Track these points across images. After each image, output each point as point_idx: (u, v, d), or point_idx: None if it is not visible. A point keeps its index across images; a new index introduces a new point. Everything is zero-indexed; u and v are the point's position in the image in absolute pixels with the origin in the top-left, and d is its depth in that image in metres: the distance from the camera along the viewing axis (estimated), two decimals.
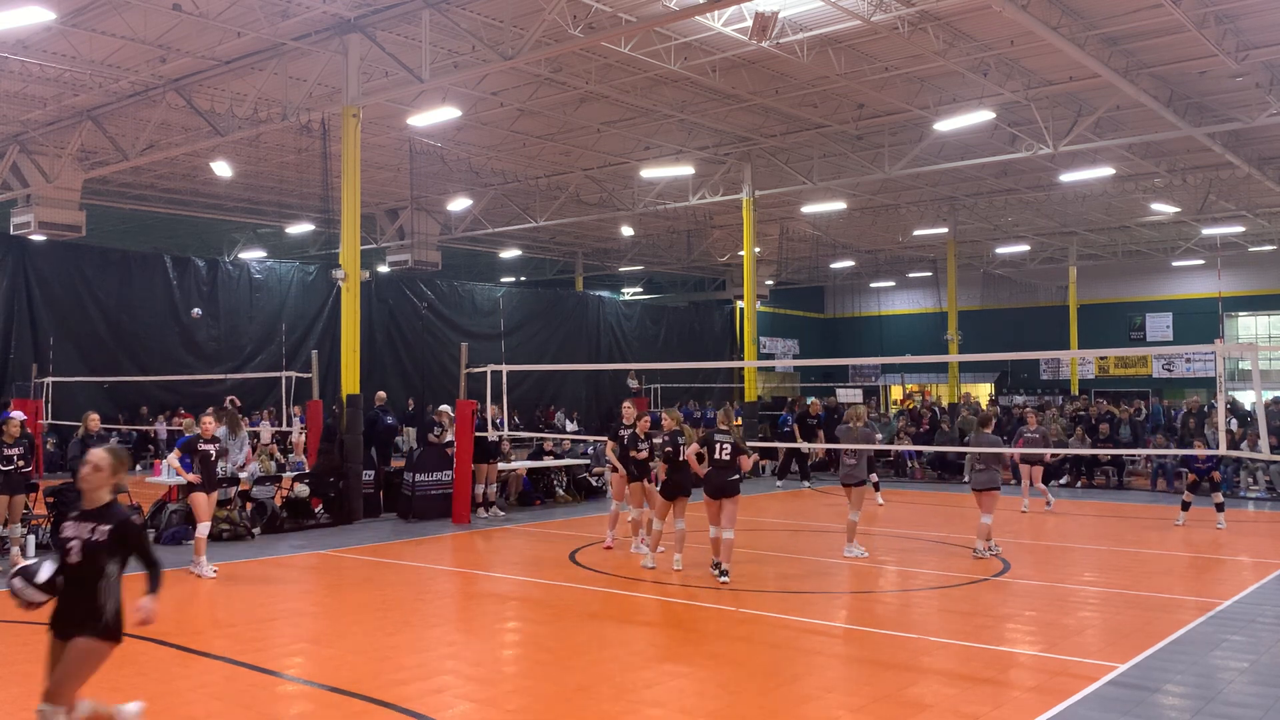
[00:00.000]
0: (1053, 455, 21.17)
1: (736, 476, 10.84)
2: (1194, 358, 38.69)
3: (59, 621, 5.34)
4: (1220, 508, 15.10)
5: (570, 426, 32.64)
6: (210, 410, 12.28)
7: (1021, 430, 17.35)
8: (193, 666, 7.58)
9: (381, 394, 19.73)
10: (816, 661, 7.83)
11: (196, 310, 24.30)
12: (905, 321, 45.66)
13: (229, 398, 18.06)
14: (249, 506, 14.52)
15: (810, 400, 23.56)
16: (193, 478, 11.40)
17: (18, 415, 12.35)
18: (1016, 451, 16.53)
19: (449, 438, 16.34)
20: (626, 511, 12.81)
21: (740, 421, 12.57)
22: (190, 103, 19.01)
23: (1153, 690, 7.00)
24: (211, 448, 11.57)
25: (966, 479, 22.26)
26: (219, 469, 11.96)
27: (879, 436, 19.52)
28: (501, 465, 17.19)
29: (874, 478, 18.38)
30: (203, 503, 11.36)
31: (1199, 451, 15.51)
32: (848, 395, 33.89)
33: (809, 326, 48.78)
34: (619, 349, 40.50)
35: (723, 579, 10.71)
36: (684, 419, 12.28)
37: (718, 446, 10.81)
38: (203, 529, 11.39)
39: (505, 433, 17.41)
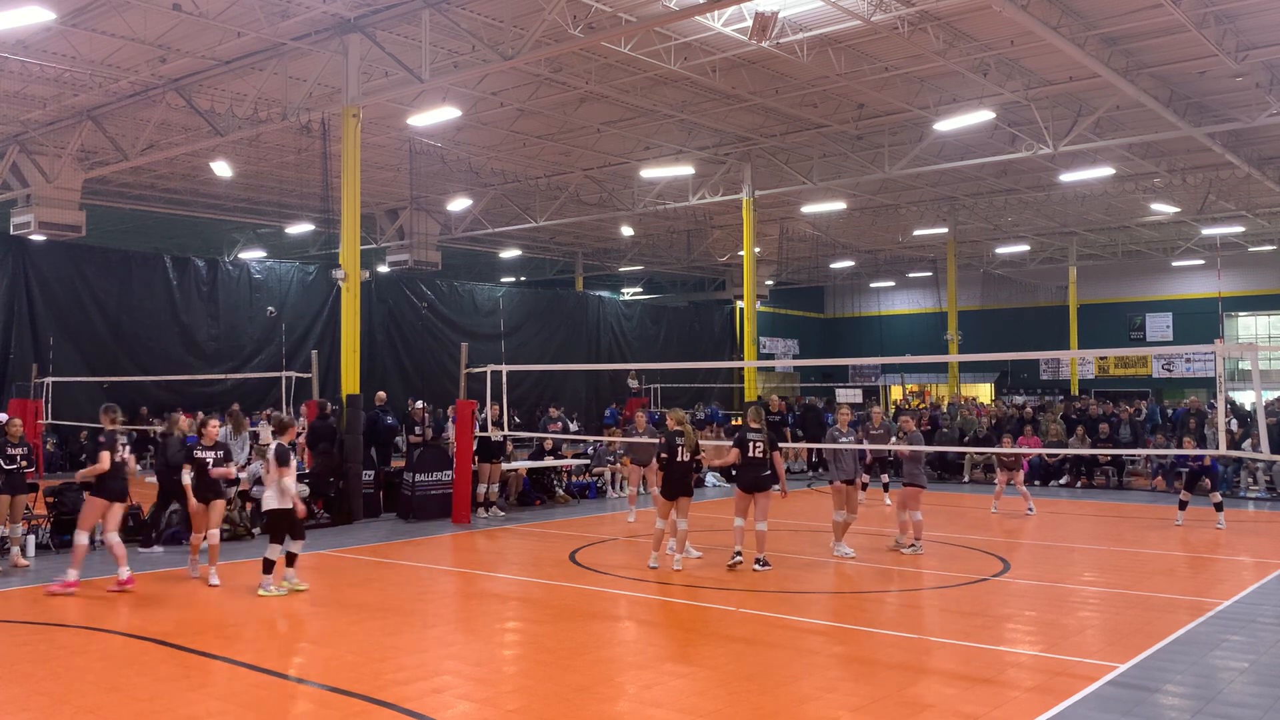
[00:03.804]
0: (1051, 455, 21.21)
1: (768, 473, 11.49)
2: (1194, 358, 38.69)
3: None
4: (1219, 507, 15.09)
5: (573, 427, 32.56)
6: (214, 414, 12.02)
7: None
8: (193, 666, 7.58)
9: (381, 394, 19.71)
10: (816, 661, 7.83)
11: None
12: (905, 321, 45.67)
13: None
14: (249, 506, 14.50)
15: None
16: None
17: (14, 418, 12.36)
18: (1009, 451, 16.55)
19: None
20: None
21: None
22: (190, 103, 19.01)
23: (1153, 690, 7.00)
24: (210, 455, 11.05)
25: (966, 479, 22.36)
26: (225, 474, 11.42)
27: (867, 438, 19.45)
28: (504, 465, 17.18)
29: (865, 478, 18.36)
30: (198, 512, 11.07)
31: (1187, 451, 15.60)
32: (846, 395, 33.88)
33: (809, 326, 48.78)
34: (619, 349, 40.49)
35: (759, 567, 11.28)
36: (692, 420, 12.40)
37: (751, 445, 11.40)
38: (195, 538, 11.16)
39: (508, 432, 17.40)
